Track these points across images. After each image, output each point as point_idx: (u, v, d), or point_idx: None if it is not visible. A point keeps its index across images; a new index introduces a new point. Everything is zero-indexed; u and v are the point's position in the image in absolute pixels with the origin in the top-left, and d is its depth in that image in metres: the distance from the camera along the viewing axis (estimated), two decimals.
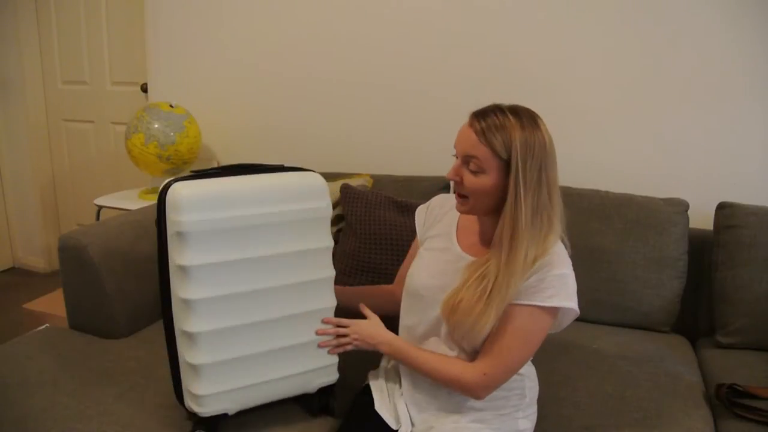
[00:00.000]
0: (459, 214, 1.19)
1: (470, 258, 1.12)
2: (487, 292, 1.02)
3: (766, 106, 1.73)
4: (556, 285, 1.02)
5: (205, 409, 1.12)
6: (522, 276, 1.02)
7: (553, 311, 1.04)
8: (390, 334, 1.19)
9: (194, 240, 1.05)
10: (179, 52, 2.48)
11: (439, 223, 1.23)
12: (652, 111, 1.84)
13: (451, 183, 1.11)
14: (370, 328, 1.19)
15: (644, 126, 1.85)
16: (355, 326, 1.19)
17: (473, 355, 1.11)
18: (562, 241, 1.08)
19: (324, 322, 1.20)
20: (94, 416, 1.20)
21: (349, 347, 1.20)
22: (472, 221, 1.17)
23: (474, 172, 1.04)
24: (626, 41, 1.82)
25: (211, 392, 1.11)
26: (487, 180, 1.03)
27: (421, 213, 1.30)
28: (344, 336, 1.19)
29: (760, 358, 1.49)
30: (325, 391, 1.25)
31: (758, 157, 1.76)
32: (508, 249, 1.02)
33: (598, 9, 1.83)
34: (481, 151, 1.02)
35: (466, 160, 1.05)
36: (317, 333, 1.20)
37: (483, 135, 1.02)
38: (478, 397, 1.10)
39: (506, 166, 1.01)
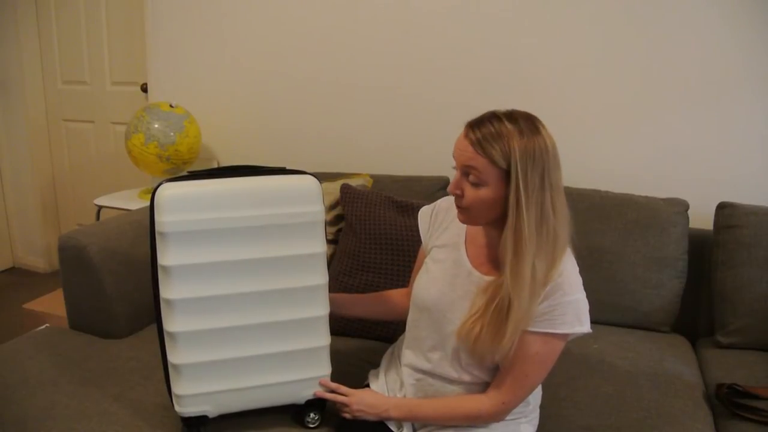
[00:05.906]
0: None
1: (479, 275, 1.09)
2: (506, 317, 1.00)
3: (766, 106, 1.73)
4: (569, 312, 1.01)
5: (184, 409, 1.12)
6: (533, 291, 0.99)
7: (567, 335, 1.04)
8: (393, 399, 1.17)
9: (174, 240, 1.05)
10: (179, 52, 2.48)
11: (446, 232, 1.18)
12: (652, 111, 1.84)
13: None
14: (370, 399, 1.15)
15: (644, 126, 1.85)
16: (354, 397, 1.15)
17: (478, 375, 1.10)
18: (571, 247, 1.05)
19: (321, 384, 1.17)
20: (94, 416, 1.20)
21: (347, 416, 1.16)
22: (480, 232, 1.13)
23: (474, 185, 1.00)
24: (626, 41, 1.82)
25: (190, 393, 1.11)
26: (488, 192, 0.99)
27: (424, 216, 1.24)
28: (344, 405, 1.15)
29: (760, 358, 1.49)
30: (314, 405, 1.20)
31: (758, 157, 1.76)
32: (514, 262, 0.98)
33: (597, 10, 1.83)
34: (480, 162, 0.97)
35: (465, 171, 1.01)
36: (315, 395, 1.17)
37: (479, 145, 0.97)
38: (498, 422, 1.10)
39: (506, 175, 0.97)
